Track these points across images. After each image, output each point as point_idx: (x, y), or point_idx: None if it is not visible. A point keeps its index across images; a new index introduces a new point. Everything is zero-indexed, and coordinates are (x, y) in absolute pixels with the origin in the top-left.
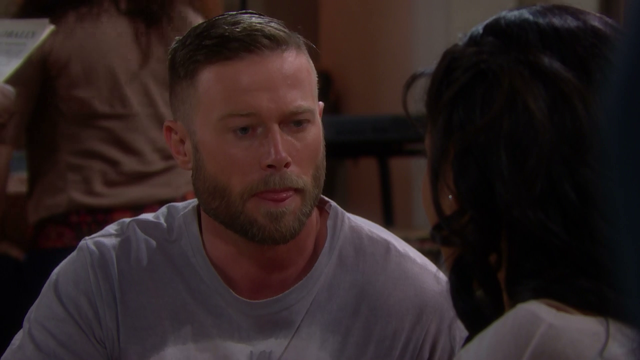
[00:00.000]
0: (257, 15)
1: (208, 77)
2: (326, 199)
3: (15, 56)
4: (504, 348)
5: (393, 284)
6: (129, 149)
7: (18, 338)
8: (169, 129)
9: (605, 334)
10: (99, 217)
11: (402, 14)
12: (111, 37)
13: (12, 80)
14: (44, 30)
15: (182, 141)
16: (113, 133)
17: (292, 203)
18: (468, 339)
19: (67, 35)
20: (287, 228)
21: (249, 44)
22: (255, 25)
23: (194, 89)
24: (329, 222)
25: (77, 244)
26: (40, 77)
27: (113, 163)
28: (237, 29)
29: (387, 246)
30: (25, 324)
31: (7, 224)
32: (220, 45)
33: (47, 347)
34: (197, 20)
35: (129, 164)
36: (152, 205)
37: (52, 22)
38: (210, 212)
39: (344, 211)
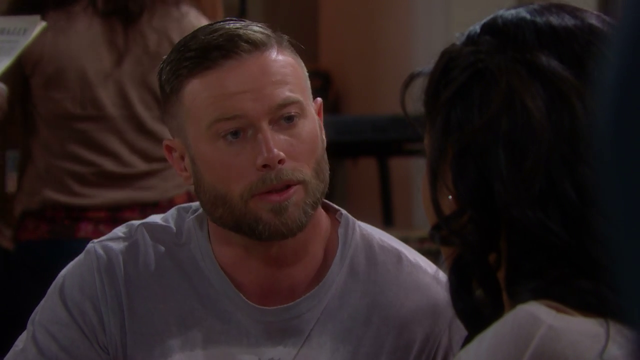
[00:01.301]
0: (236, 21)
1: (192, 88)
2: (337, 207)
3: (7, 53)
4: (503, 349)
5: (405, 295)
6: (104, 151)
7: (22, 340)
8: (169, 149)
9: (605, 335)
10: (73, 213)
11: (402, 14)
12: (84, 38)
13: None
14: (36, 27)
15: (182, 157)
16: (87, 135)
17: (295, 195)
18: (467, 339)
19: (42, 34)
20: (293, 220)
21: (229, 50)
22: (233, 31)
23: (180, 103)
24: (340, 230)
25: (51, 236)
26: (16, 74)
27: (89, 165)
28: (215, 37)
29: (398, 255)
30: (29, 326)
31: (5, 218)
32: (201, 56)
33: (49, 351)
34: (188, 14)
35: (106, 166)
36: (132, 207)
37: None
38: (217, 221)
39: (355, 219)
